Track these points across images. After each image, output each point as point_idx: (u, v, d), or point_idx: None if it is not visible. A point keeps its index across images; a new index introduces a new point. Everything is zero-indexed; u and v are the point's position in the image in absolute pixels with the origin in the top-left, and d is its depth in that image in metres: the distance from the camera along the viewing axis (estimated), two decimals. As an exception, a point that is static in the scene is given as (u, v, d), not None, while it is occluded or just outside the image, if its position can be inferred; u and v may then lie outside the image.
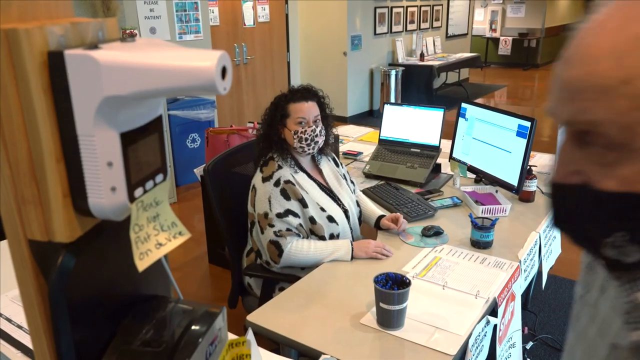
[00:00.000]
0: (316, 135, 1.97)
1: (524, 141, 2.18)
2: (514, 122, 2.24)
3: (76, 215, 0.54)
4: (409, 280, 1.49)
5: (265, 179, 1.92)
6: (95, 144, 0.50)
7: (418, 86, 7.74)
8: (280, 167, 1.94)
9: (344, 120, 7.01)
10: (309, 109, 1.96)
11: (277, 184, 1.90)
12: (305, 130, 1.94)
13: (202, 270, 3.37)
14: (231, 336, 1.29)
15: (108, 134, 0.51)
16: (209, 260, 3.44)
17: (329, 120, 2.07)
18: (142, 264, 0.55)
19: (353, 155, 3.10)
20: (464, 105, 2.58)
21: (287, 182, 1.91)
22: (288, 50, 6.92)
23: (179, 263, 3.47)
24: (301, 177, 1.97)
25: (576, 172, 0.53)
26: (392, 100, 7.41)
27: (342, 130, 3.78)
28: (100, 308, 0.61)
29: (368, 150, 3.07)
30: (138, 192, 0.55)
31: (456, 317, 1.54)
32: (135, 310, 0.64)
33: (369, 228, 2.20)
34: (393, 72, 7.36)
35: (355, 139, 3.53)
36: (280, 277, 1.95)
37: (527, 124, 2.18)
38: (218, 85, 0.49)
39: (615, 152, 0.50)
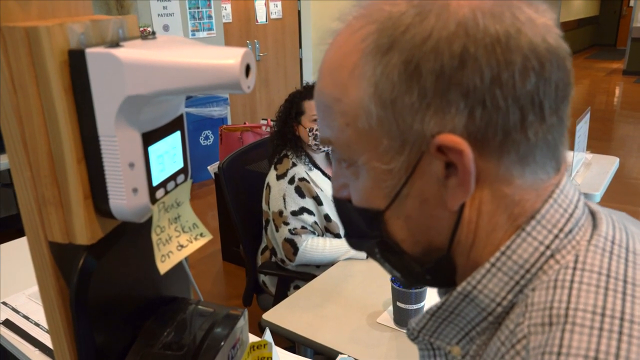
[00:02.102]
0: None
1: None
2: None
3: (97, 217, 0.53)
4: (427, 280, 1.47)
5: (279, 177, 1.91)
6: (116, 144, 0.49)
7: (431, 82, 7.69)
8: (294, 165, 1.92)
9: (357, 117, 6.98)
10: None
11: (291, 181, 1.88)
12: None
13: (216, 268, 3.38)
14: (250, 337, 1.28)
15: (130, 134, 0.49)
16: (222, 257, 3.44)
17: None
18: (164, 267, 0.54)
19: (367, 152, 3.08)
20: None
21: (302, 179, 1.89)
22: (300, 47, 6.90)
23: (193, 260, 3.47)
24: (316, 175, 1.96)
25: (343, 185, 0.53)
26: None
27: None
28: (122, 310, 0.60)
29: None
30: (159, 193, 0.54)
31: (474, 317, 1.52)
32: (156, 313, 0.63)
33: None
34: (406, 68, 7.31)
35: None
36: (295, 275, 1.94)
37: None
38: (242, 84, 0.48)
39: (351, 168, 0.50)
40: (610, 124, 6.92)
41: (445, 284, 0.53)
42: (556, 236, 0.45)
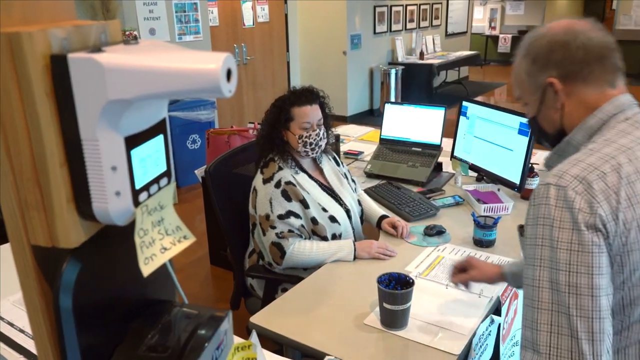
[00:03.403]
0: (320, 139, 1.97)
1: (525, 139, 2.18)
2: (516, 120, 2.23)
3: (80, 220, 0.53)
4: (413, 280, 1.48)
5: (265, 181, 1.91)
6: (99, 148, 0.50)
7: (418, 85, 7.73)
8: (280, 169, 1.93)
9: (344, 120, 7.01)
10: (313, 113, 1.95)
11: (278, 185, 1.89)
12: (310, 135, 1.94)
13: (204, 272, 3.37)
14: (235, 338, 1.28)
15: (112, 138, 0.50)
16: (210, 261, 3.44)
17: (329, 120, 2.07)
18: (147, 269, 0.55)
19: (354, 155, 3.09)
20: (465, 103, 2.57)
21: (288, 183, 1.90)
22: (288, 50, 6.91)
23: (181, 264, 3.46)
24: (302, 178, 1.97)
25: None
26: (392, 99, 7.41)
27: (342, 129, 3.77)
28: (106, 313, 0.60)
29: (369, 149, 3.06)
30: (143, 196, 0.54)
31: (460, 317, 1.53)
32: (141, 315, 0.64)
33: (372, 227, 2.20)
34: (393, 71, 7.35)
35: (356, 138, 3.52)
36: (282, 278, 1.95)
37: (529, 122, 2.18)
38: (223, 88, 0.49)
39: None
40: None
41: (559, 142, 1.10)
42: (604, 121, 1.03)
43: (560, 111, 1.06)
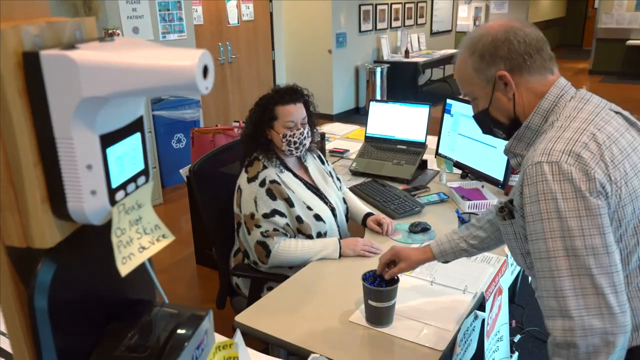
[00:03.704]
0: (304, 138, 1.97)
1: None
2: (499, 118, 2.25)
3: (56, 220, 0.52)
4: (397, 277, 1.49)
5: (250, 180, 1.91)
6: (73, 146, 0.49)
7: (403, 83, 7.75)
8: (265, 167, 1.93)
9: (330, 118, 7.01)
10: (297, 112, 1.95)
11: (262, 184, 1.88)
12: (294, 134, 1.93)
13: (189, 272, 3.35)
14: (220, 338, 1.28)
15: (87, 136, 0.49)
16: (196, 261, 3.42)
17: (314, 118, 2.07)
18: (124, 269, 0.54)
19: (339, 153, 3.09)
20: (449, 101, 2.59)
21: (273, 182, 1.90)
22: (273, 49, 6.90)
23: (166, 264, 3.44)
24: (287, 177, 1.96)
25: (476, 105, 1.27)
26: (378, 97, 7.43)
27: (327, 128, 3.77)
28: (84, 314, 0.60)
29: (354, 147, 3.07)
30: (119, 195, 0.54)
31: (444, 313, 1.54)
32: (120, 316, 0.63)
33: (358, 225, 2.20)
34: (378, 69, 7.37)
35: (342, 136, 3.53)
36: (268, 276, 1.94)
37: (512, 119, 2.19)
38: (199, 85, 0.48)
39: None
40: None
41: (513, 132, 1.20)
42: (554, 102, 1.14)
43: (512, 101, 1.16)
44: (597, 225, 0.98)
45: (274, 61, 6.99)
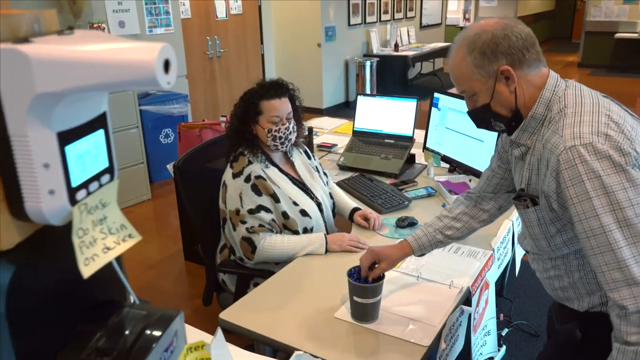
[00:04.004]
0: (290, 133, 1.95)
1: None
2: (486, 111, 2.24)
3: (13, 220, 0.50)
4: (383, 274, 1.48)
5: (235, 175, 1.89)
6: (29, 144, 0.47)
7: (393, 76, 7.74)
8: (250, 163, 1.91)
9: (320, 112, 6.98)
10: (283, 106, 1.93)
11: (247, 179, 1.87)
12: (280, 129, 1.91)
13: (178, 268, 3.33)
14: (206, 335, 1.26)
15: (43, 134, 0.47)
16: (184, 257, 3.39)
17: (299, 112, 2.05)
18: (87, 270, 0.52)
19: (327, 148, 3.07)
20: (436, 95, 2.58)
21: (258, 177, 1.88)
22: (262, 43, 6.85)
23: (154, 261, 3.42)
24: (272, 172, 1.95)
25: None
26: (368, 91, 7.41)
27: (316, 122, 3.75)
28: (49, 316, 0.58)
29: (342, 142, 3.05)
30: (80, 194, 0.52)
31: (430, 308, 1.54)
32: (87, 317, 0.61)
33: (345, 220, 2.19)
34: (368, 63, 7.34)
35: (330, 130, 3.51)
36: (254, 272, 1.93)
37: (499, 112, 2.19)
38: (160, 80, 0.46)
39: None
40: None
41: (515, 124, 1.25)
42: (553, 91, 1.20)
43: (513, 94, 1.21)
44: None
45: (263, 55, 6.94)
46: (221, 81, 6.30)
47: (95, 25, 4.01)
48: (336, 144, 3.11)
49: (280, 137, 1.92)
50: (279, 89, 1.94)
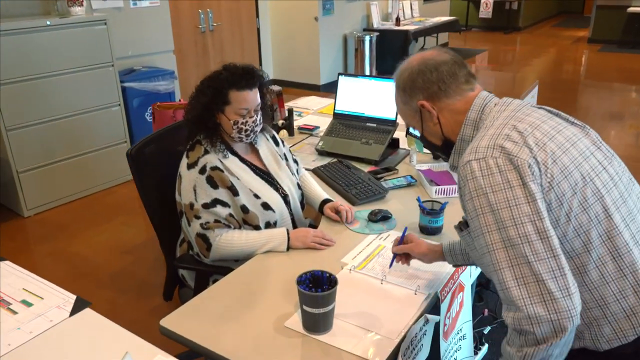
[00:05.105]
0: (256, 125, 1.80)
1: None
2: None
3: None
4: (336, 280, 1.34)
5: (190, 166, 1.74)
6: None
7: (394, 52, 7.48)
8: (207, 152, 1.75)
9: (317, 89, 6.77)
10: (253, 98, 1.76)
11: (202, 171, 1.71)
12: (247, 122, 1.76)
13: (154, 254, 3.21)
14: (149, 346, 1.12)
15: None
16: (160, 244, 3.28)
17: (267, 99, 1.88)
18: None
19: (309, 130, 2.91)
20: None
21: (214, 168, 1.72)
22: (257, 16, 6.62)
23: (131, 246, 3.31)
24: (231, 162, 1.79)
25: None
26: (367, 66, 7.18)
27: (303, 102, 3.58)
28: None
29: (326, 124, 2.88)
30: None
31: (391, 318, 1.40)
32: None
33: (317, 213, 2.04)
34: (367, 38, 7.10)
35: (315, 111, 3.34)
36: (211, 269, 1.80)
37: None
38: None
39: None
40: (575, 93, 6.86)
41: (449, 151, 1.26)
42: (479, 111, 1.21)
43: (438, 124, 1.25)
44: (527, 212, 1.01)
45: (259, 29, 6.72)
46: (214, 56, 6.10)
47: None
48: (319, 126, 2.95)
49: (246, 130, 1.77)
50: (250, 79, 1.76)
